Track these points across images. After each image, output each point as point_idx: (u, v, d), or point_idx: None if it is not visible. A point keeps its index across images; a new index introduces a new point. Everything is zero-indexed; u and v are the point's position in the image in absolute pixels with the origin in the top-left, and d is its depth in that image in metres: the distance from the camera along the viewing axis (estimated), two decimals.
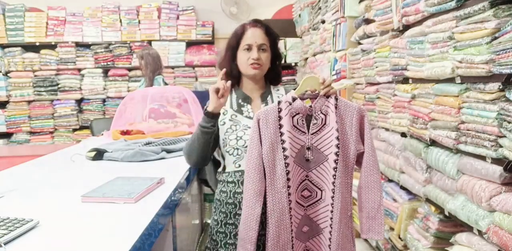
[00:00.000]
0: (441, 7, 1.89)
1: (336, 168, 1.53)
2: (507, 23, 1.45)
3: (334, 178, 1.53)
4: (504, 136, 1.50)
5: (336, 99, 1.55)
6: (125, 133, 2.65)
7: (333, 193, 1.53)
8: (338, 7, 3.46)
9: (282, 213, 1.52)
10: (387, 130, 2.65)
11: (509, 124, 1.46)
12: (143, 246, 1.03)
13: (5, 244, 0.95)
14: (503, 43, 1.46)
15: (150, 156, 1.99)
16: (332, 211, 1.54)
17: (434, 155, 2.00)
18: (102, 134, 3.02)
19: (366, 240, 3.18)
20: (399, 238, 2.44)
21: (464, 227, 1.79)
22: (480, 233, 1.64)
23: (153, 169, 1.83)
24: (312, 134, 1.54)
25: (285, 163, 1.51)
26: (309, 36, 4.69)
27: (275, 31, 1.77)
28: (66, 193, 1.43)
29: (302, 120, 1.53)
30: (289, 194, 1.52)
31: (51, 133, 5.54)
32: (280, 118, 1.52)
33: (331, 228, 1.55)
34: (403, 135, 2.42)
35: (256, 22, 1.73)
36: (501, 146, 1.53)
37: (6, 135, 5.49)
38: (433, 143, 2.06)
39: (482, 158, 1.65)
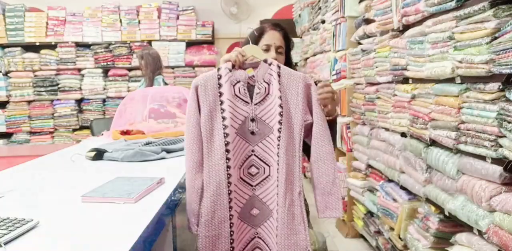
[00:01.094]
0: (441, 7, 1.89)
1: (279, 137, 1.44)
2: (507, 23, 1.45)
3: (278, 148, 1.45)
4: (504, 136, 1.50)
5: (279, 67, 1.49)
6: (125, 133, 2.65)
7: (278, 164, 1.45)
8: (338, 7, 3.46)
9: (219, 186, 1.44)
10: (387, 130, 2.64)
11: (509, 124, 1.46)
12: (143, 246, 1.04)
13: (5, 244, 0.95)
14: (503, 43, 1.46)
15: (150, 156, 1.99)
16: (278, 186, 1.46)
17: (434, 155, 2.00)
18: (102, 134, 3.02)
19: (365, 239, 3.18)
20: (399, 238, 2.44)
21: (464, 227, 1.79)
22: (480, 233, 1.64)
23: (153, 169, 1.83)
24: (255, 104, 1.47)
25: (224, 133, 1.43)
26: (309, 36, 4.69)
27: (291, 37, 1.84)
28: (66, 193, 1.43)
29: (244, 89, 1.47)
30: (228, 167, 1.44)
31: (51, 133, 5.55)
32: (220, 85, 1.46)
33: (277, 205, 1.45)
34: (403, 135, 2.42)
35: (276, 26, 1.81)
36: (501, 146, 1.52)
37: (6, 135, 5.49)
38: (433, 143, 2.06)
39: (482, 158, 1.65)
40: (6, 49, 5.45)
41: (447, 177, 1.92)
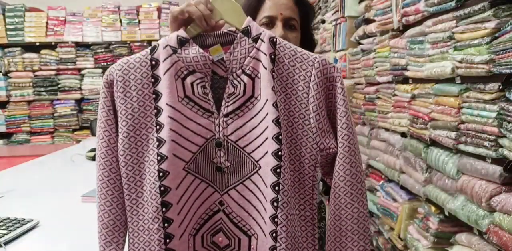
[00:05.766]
0: (441, 7, 1.89)
1: (278, 184, 0.76)
2: (507, 23, 1.45)
3: (276, 208, 0.76)
4: (504, 136, 1.50)
5: (274, 43, 0.80)
6: None
7: (275, 240, 0.77)
8: (338, 7, 3.46)
9: None
10: (387, 130, 2.64)
11: (509, 124, 1.46)
12: None
13: (5, 244, 0.95)
14: (503, 43, 1.46)
15: None
16: None
17: (434, 155, 2.00)
18: None
19: None
20: (399, 238, 2.44)
21: (464, 227, 1.79)
22: (480, 233, 1.64)
23: None
24: (226, 116, 0.81)
25: (159, 170, 0.77)
26: None
27: (308, 2, 1.19)
28: (66, 193, 1.43)
29: (204, 86, 0.81)
30: (167, 236, 0.79)
31: (51, 133, 5.55)
32: (155, 80, 0.79)
33: None
34: (403, 135, 2.42)
35: None
36: (501, 146, 1.52)
37: (6, 135, 5.49)
38: (433, 143, 2.06)
39: (482, 158, 1.65)
40: (6, 49, 5.45)
41: (447, 177, 1.92)
